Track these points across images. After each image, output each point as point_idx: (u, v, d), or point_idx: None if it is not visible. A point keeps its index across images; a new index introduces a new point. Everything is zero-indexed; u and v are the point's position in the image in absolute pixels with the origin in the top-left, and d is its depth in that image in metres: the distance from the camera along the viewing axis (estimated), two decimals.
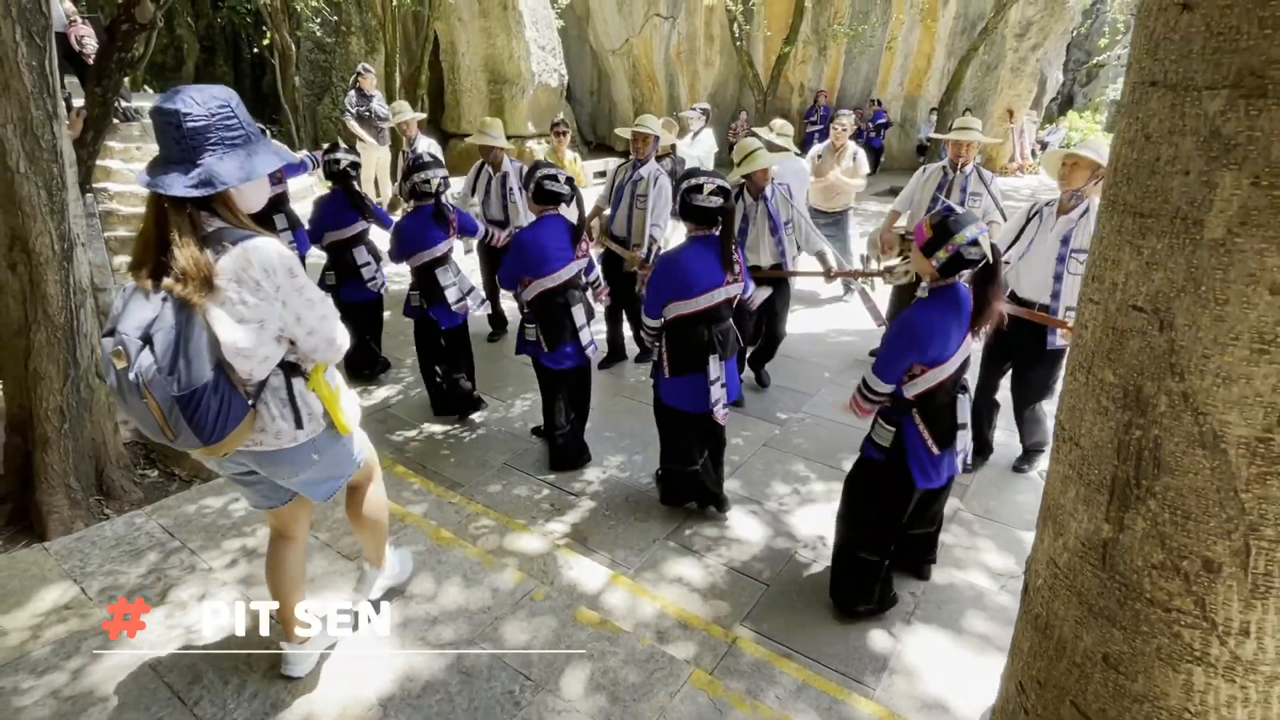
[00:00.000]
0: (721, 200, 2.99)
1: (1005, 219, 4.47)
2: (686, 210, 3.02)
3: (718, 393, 3.11)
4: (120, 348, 1.57)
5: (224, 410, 1.64)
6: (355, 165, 4.60)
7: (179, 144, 1.55)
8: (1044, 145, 14.13)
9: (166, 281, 1.56)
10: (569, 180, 3.52)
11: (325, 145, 4.95)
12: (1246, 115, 0.92)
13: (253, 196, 1.72)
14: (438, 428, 4.28)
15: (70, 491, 2.99)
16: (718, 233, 3.07)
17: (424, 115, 6.17)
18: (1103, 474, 1.14)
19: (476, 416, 4.40)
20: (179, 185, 1.54)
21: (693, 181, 2.99)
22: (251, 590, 2.57)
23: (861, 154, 6.04)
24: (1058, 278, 3.35)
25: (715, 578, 3.00)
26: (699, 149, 7.27)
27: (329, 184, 4.69)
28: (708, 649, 2.49)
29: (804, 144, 10.98)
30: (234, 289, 1.59)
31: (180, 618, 2.43)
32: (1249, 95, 0.91)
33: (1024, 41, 13.67)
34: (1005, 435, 4.20)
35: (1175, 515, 1.06)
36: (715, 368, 3.09)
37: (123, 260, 6.96)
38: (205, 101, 1.57)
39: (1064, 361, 3.45)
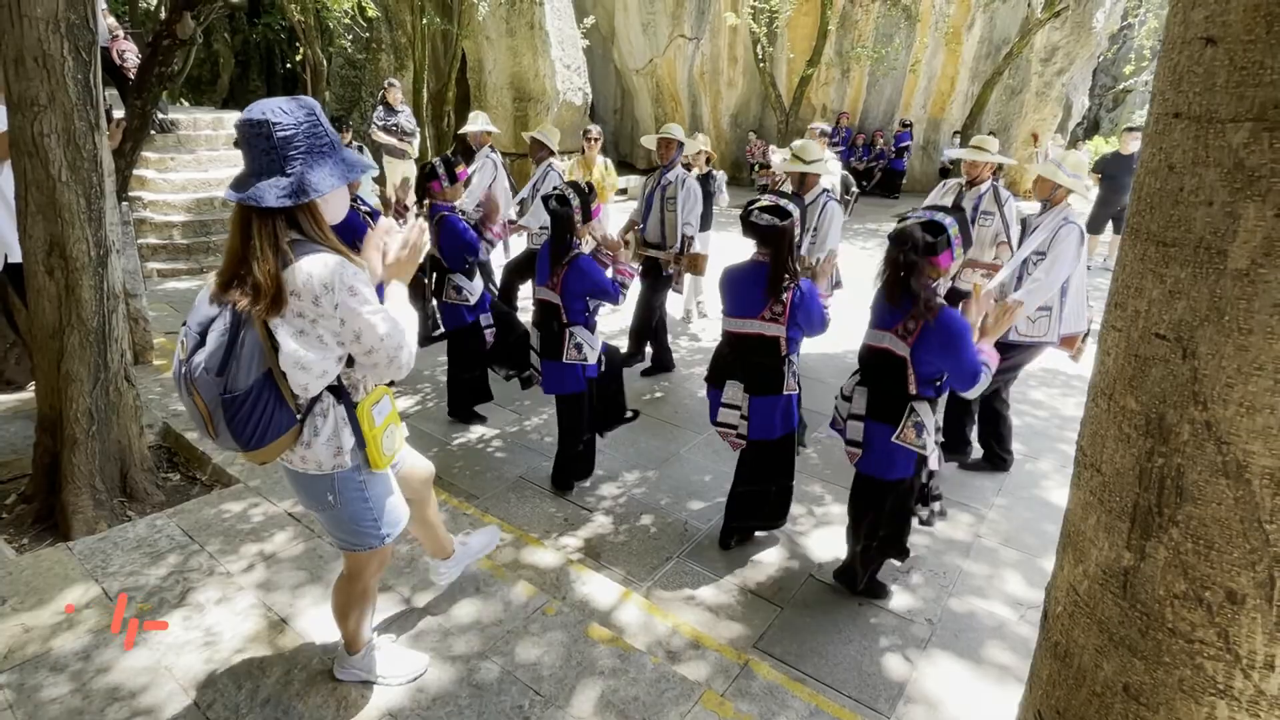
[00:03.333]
0: (772, 219, 2.80)
1: (1012, 242, 4.52)
2: (743, 226, 2.93)
3: (726, 415, 3.04)
4: (183, 339, 1.64)
5: (265, 420, 1.65)
6: None
7: (269, 155, 1.54)
8: None
9: (232, 294, 1.57)
10: (582, 191, 3.49)
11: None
12: (1270, 148, 0.93)
13: (336, 206, 1.70)
14: (455, 439, 4.31)
15: (95, 493, 3.05)
16: (768, 258, 2.87)
17: (498, 130, 6.35)
18: (1124, 501, 1.14)
19: (491, 429, 4.43)
20: (271, 196, 1.53)
21: (754, 196, 2.98)
22: (268, 595, 2.60)
23: (832, 163, 6.05)
24: (1020, 277, 3.69)
25: (729, 598, 2.98)
26: None
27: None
28: (719, 670, 2.47)
29: None
30: (295, 302, 1.59)
31: (197, 620, 2.46)
32: (1273, 128, 0.92)
33: (1049, 66, 13.64)
34: (1025, 461, 4.15)
35: (1198, 545, 1.05)
36: (731, 392, 3.03)
37: (155, 266, 7.13)
38: (293, 111, 1.55)
39: (1020, 357, 3.73)
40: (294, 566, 2.75)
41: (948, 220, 2.42)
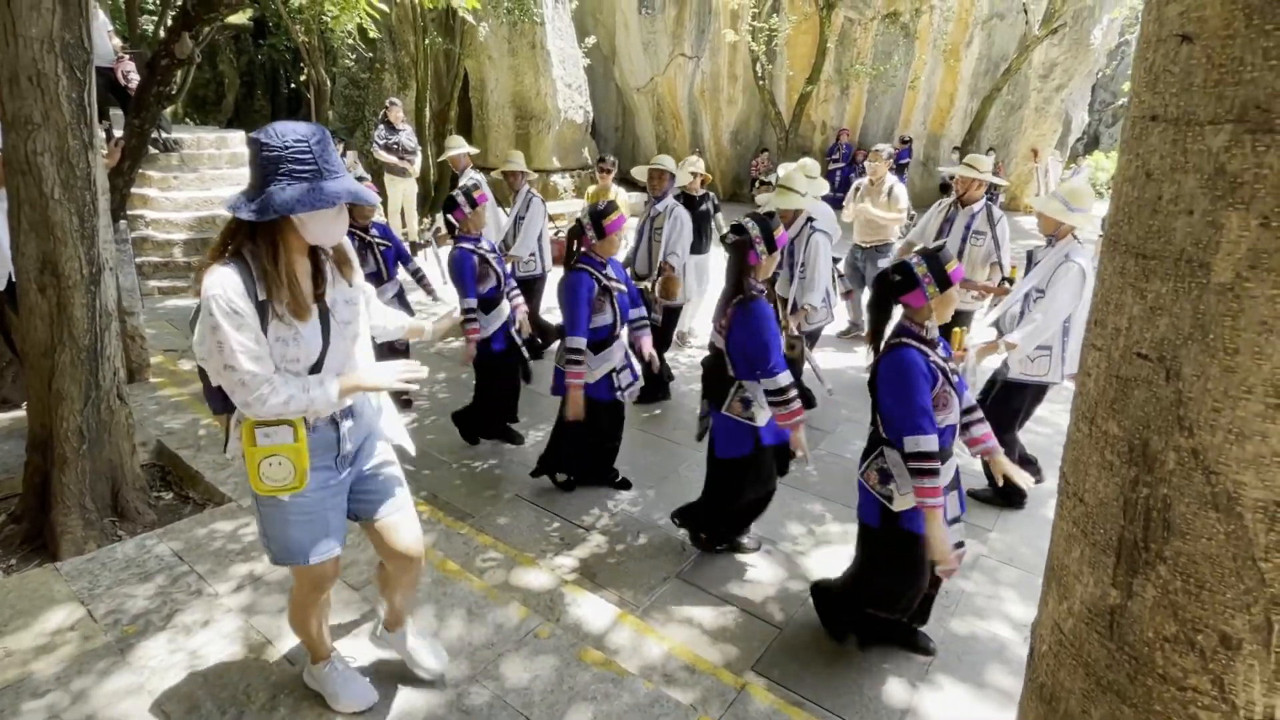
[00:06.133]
0: (733, 236, 2.94)
1: (1003, 263, 4.51)
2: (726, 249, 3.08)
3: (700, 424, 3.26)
4: None
5: (211, 391, 2.00)
6: None
7: (254, 171, 1.66)
8: None
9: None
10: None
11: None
12: (1253, 152, 0.87)
13: (318, 230, 1.72)
14: (451, 457, 4.28)
15: (85, 512, 3.02)
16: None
17: (476, 150, 6.38)
18: (1109, 534, 1.07)
19: (488, 446, 4.40)
20: (245, 209, 1.64)
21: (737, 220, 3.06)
22: (255, 618, 2.56)
23: (899, 188, 5.93)
24: (1022, 314, 3.59)
25: (726, 619, 2.92)
26: None
27: None
28: (715, 694, 2.42)
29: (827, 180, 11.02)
30: None
31: (183, 643, 2.43)
32: (1255, 130, 0.87)
33: (1048, 82, 13.69)
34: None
35: (1188, 584, 0.98)
36: (703, 403, 3.21)
37: (156, 284, 7.15)
38: (285, 134, 1.62)
39: (1021, 397, 3.64)
40: (281, 589, 2.72)
41: (915, 259, 2.41)
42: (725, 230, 3.01)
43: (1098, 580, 1.08)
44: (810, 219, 4.31)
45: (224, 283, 1.65)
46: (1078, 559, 1.12)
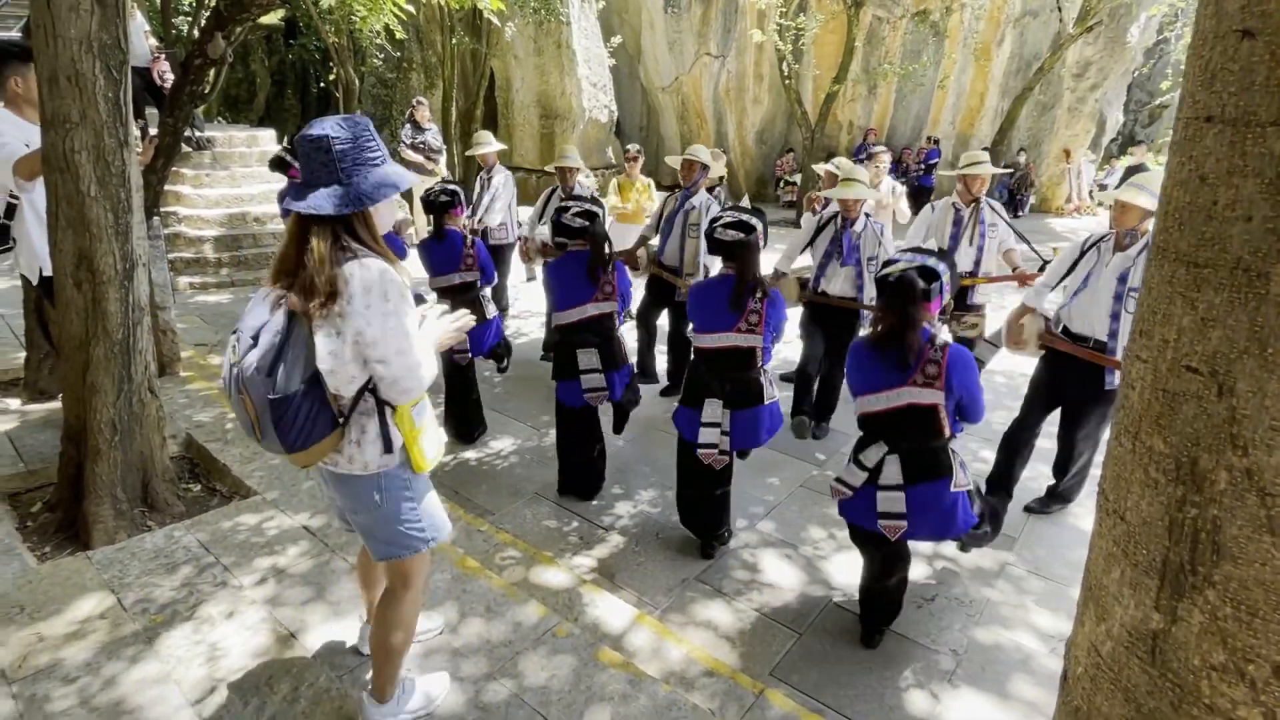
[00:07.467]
0: (737, 234, 2.91)
1: (1020, 241, 4.53)
2: (708, 242, 3.05)
3: (708, 435, 3.06)
4: (234, 343, 1.70)
5: (309, 422, 1.68)
6: None
7: (327, 167, 1.65)
8: (1102, 187, 13.77)
9: (291, 298, 1.65)
10: (587, 212, 3.47)
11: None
12: None
13: (386, 213, 1.79)
14: (471, 453, 4.30)
15: (116, 502, 3.08)
16: (734, 272, 3.00)
17: (504, 147, 6.48)
18: (1152, 555, 1.02)
19: (509, 444, 4.41)
20: (330, 205, 1.63)
21: (718, 213, 3.05)
22: (278, 610, 2.59)
23: (899, 188, 6.07)
24: (1115, 316, 3.29)
25: (745, 623, 2.90)
26: None
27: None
28: (733, 699, 2.40)
29: None
30: (338, 303, 1.66)
31: (207, 633, 2.46)
32: None
33: (1082, 81, 13.42)
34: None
35: (1239, 611, 0.93)
36: (710, 410, 3.05)
37: (187, 280, 7.29)
38: (349, 126, 1.67)
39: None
40: (304, 582, 2.75)
41: (941, 266, 2.38)
42: (720, 221, 3.04)
43: (1139, 603, 1.04)
44: (868, 213, 4.38)
45: (390, 269, 1.69)
46: (1118, 580, 1.07)
